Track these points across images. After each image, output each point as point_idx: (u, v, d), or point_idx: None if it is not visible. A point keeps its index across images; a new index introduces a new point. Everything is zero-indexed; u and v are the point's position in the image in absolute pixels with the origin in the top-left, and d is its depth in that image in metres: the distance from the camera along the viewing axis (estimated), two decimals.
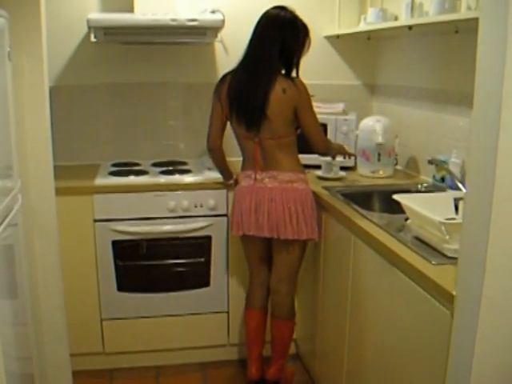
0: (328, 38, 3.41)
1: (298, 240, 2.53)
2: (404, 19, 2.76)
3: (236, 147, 2.64)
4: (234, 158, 2.75)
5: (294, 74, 2.51)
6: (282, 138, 2.50)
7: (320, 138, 2.58)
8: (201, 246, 2.94)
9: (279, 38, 2.43)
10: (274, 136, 2.48)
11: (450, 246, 1.74)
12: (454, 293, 1.48)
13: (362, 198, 2.58)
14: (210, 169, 3.05)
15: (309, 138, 2.54)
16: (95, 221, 2.81)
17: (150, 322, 2.99)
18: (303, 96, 2.47)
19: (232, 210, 2.67)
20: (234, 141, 2.64)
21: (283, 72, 2.50)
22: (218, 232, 2.92)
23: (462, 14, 2.30)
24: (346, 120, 3.14)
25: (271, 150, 2.51)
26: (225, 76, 2.58)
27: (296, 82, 2.47)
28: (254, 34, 2.48)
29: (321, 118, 2.95)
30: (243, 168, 2.63)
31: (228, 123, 2.61)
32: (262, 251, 2.71)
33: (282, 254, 2.60)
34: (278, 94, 2.43)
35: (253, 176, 2.55)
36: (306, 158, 2.62)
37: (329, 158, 2.83)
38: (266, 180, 2.52)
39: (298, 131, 2.55)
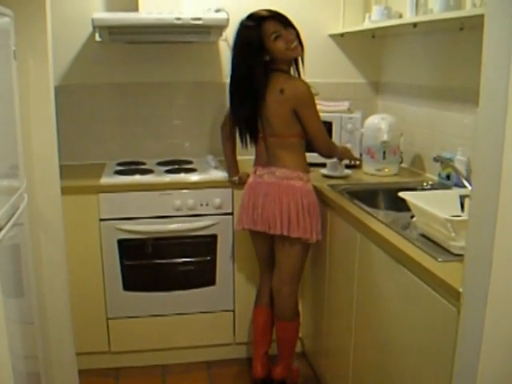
0: (332, 36, 3.40)
1: (299, 239, 2.51)
2: (409, 17, 2.75)
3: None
4: (248, 157, 2.75)
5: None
6: (285, 137, 2.50)
7: (322, 140, 2.54)
8: (206, 244, 2.94)
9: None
10: (275, 134, 2.49)
11: (456, 244, 1.73)
12: (461, 290, 1.48)
13: (368, 196, 2.58)
14: (215, 167, 3.05)
15: (311, 139, 2.52)
16: (101, 220, 2.82)
17: (156, 320, 2.99)
18: (303, 97, 2.44)
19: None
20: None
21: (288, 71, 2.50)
22: (224, 230, 2.93)
23: (467, 10, 2.29)
24: (350, 118, 3.14)
25: (274, 147, 2.52)
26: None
27: (296, 83, 2.46)
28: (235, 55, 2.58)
29: (326, 116, 2.96)
30: (253, 165, 2.65)
31: None
32: (268, 250, 2.71)
33: (282, 254, 2.58)
34: (275, 95, 2.43)
35: (257, 172, 2.58)
36: (311, 157, 2.62)
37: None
38: (265, 176, 2.53)
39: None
